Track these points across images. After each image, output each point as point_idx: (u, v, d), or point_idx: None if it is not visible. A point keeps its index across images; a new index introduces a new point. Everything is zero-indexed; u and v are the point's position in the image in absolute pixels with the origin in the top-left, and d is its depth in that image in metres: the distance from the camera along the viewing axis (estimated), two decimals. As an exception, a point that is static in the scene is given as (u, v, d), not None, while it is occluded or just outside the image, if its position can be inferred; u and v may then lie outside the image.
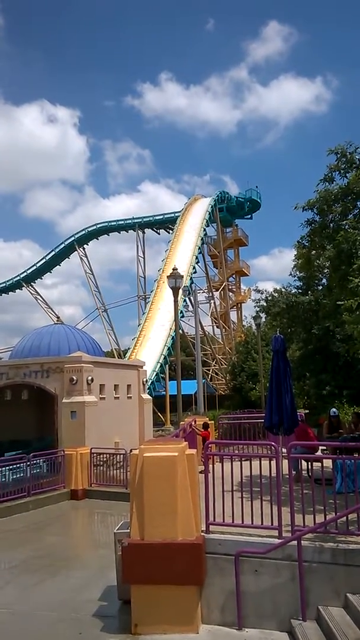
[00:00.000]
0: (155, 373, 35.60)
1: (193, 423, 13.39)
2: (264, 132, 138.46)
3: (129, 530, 6.99)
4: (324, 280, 14.49)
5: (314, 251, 10.02)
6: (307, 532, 6.49)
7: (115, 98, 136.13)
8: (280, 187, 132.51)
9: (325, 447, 10.43)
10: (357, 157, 8.98)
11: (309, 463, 9.46)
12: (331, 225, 9.28)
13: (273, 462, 6.97)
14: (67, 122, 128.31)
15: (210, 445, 8.29)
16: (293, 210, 9.77)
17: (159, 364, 36.48)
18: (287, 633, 6.26)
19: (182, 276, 18.22)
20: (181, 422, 14.47)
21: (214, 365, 52.58)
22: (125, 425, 23.18)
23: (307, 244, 10.00)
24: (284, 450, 8.84)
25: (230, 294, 60.31)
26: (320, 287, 16.24)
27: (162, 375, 38.02)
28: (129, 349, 40.50)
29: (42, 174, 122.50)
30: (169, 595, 6.51)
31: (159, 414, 38.78)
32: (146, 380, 27.09)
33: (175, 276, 16.80)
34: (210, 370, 52.48)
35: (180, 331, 45.18)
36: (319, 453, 10.39)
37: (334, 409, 11.61)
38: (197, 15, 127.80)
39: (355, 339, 7.44)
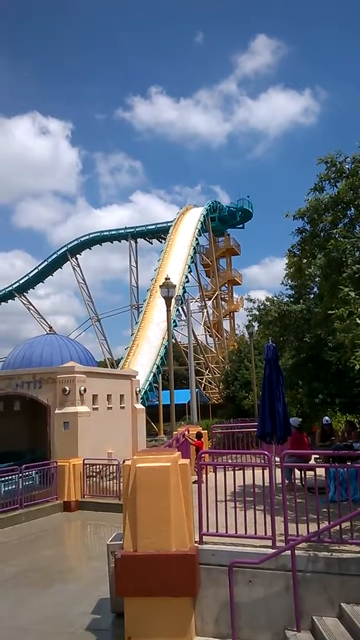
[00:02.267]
0: (148, 383, 35.53)
1: (186, 433, 13.35)
2: (253, 144, 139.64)
3: (122, 542, 6.94)
4: (316, 289, 14.54)
5: (305, 260, 10.06)
6: (300, 542, 6.46)
7: (106, 111, 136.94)
8: (270, 198, 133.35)
9: (318, 456, 10.42)
10: (346, 166, 9.05)
11: (303, 472, 9.45)
12: (322, 234, 9.33)
13: (266, 471, 6.95)
14: (60, 134, 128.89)
15: (203, 455, 8.26)
16: (284, 218, 9.81)
17: (152, 374, 36.41)
18: (282, 644, 6.22)
19: (175, 285, 18.22)
20: (174, 432, 14.42)
21: (207, 375, 52.54)
22: (119, 435, 23.06)
23: (298, 253, 10.05)
24: (277, 459, 8.85)
25: (223, 302, 60.42)
26: (312, 296, 16.29)
27: (155, 385, 37.95)
28: (122, 358, 40.41)
29: (33, 186, 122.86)
30: (162, 607, 6.45)
31: (152, 423, 38.68)
32: (139, 390, 27.02)
33: (167, 285, 16.81)
34: (204, 379, 52.42)
35: (173, 340, 45.19)
36: (312, 462, 10.40)
37: (326, 417, 11.62)
38: (186, 28, 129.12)
39: (346, 347, 7.44)
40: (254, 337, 30.19)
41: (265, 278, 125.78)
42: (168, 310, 17.12)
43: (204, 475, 7.70)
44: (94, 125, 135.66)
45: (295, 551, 6.33)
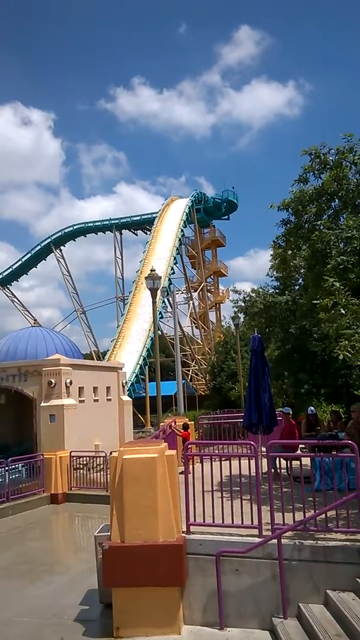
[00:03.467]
0: (134, 374, 35.52)
1: (173, 424, 13.40)
2: (238, 136, 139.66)
3: (109, 533, 6.97)
4: (301, 280, 14.61)
5: (290, 251, 10.10)
6: (286, 531, 6.54)
7: (89, 102, 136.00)
8: (254, 189, 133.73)
9: (304, 446, 10.52)
10: (330, 158, 9.07)
11: (289, 461, 9.54)
12: (306, 225, 9.36)
13: (252, 461, 7.01)
14: (42, 124, 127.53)
15: (190, 446, 8.30)
16: (269, 210, 9.82)
17: (139, 365, 36.40)
18: (269, 631, 6.30)
19: (160, 277, 18.19)
20: (161, 423, 14.46)
21: (194, 366, 52.65)
22: (105, 427, 23.08)
23: (282, 244, 10.08)
24: (264, 449, 8.93)
25: (209, 294, 60.47)
26: (297, 287, 16.38)
27: (141, 377, 37.98)
28: (108, 350, 40.32)
29: (16, 177, 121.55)
30: (150, 597, 6.50)
31: (139, 415, 38.70)
32: (126, 382, 27.02)
33: (153, 277, 16.78)
34: (190, 370, 52.53)
35: (160, 332, 45.18)
36: (298, 451, 10.50)
37: (311, 408, 11.72)
38: (169, 19, 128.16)
39: (330, 338, 7.50)
40: (240, 328, 30.33)
41: (250, 270, 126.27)
42: (154, 302, 17.11)
43: (191, 466, 7.76)
44: (77, 116, 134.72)
45: (282, 540, 6.41)
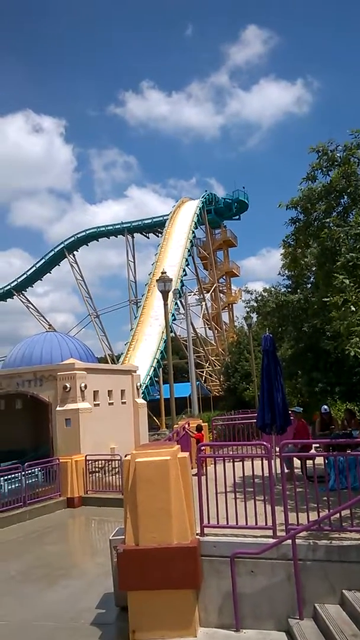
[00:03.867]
0: (149, 377, 35.55)
1: (186, 426, 13.38)
2: (247, 135, 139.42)
3: (124, 537, 6.97)
4: (313, 279, 14.52)
5: (300, 249, 10.04)
6: (301, 531, 6.49)
7: (98, 107, 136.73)
8: (265, 189, 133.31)
9: (318, 445, 10.45)
10: (338, 154, 9.00)
11: (304, 461, 9.47)
12: (315, 223, 9.30)
13: (266, 462, 6.98)
14: (53, 131, 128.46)
15: (203, 448, 8.28)
16: (277, 208, 9.81)
17: (153, 368, 36.43)
18: (285, 632, 6.26)
19: (172, 279, 18.21)
20: (175, 425, 14.45)
21: (208, 367, 52.57)
22: (121, 430, 23.10)
23: (292, 243, 10.02)
24: (278, 449, 8.87)
25: (221, 295, 60.34)
26: (309, 286, 16.29)
27: (156, 379, 38.00)
28: (122, 354, 40.42)
29: (28, 184, 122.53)
30: (165, 600, 6.49)
31: (154, 417, 38.75)
32: (140, 385, 27.05)
33: (164, 280, 16.79)
34: (204, 372, 52.47)
35: (173, 334, 45.21)
36: (312, 451, 10.43)
37: (325, 406, 11.64)
38: (175, 21, 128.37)
39: (342, 335, 7.44)
40: (253, 328, 30.22)
41: (262, 269, 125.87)
42: (165, 304, 17.12)
43: (205, 468, 7.73)
44: (87, 121, 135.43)
45: (296, 540, 6.38)
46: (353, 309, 7.05)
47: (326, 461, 8.61)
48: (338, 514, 6.60)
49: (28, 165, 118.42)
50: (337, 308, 7.47)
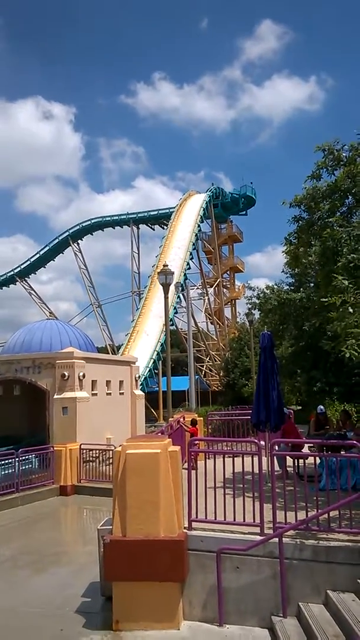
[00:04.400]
0: (148, 369, 35.59)
1: (181, 419, 13.40)
2: (258, 131, 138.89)
3: (112, 527, 6.99)
4: (315, 277, 14.48)
5: (302, 248, 10.00)
6: (288, 529, 6.50)
7: (109, 96, 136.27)
8: (274, 185, 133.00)
9: (312, 445, 10.43)
10: (344, 154, 8.95)
11: (296, 460, 9.47)
12: (318, 222, 9.25)
13: (256, 459, 6.97)
14: (63, 118, 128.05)
15: (195, 443, 8.29)
16: (281, 206, 9.78)
17: (152, 360, 36.45)
18: (268, 630, 6.28)
19: (173, 272, 18.15)
20: (170, 419, 14.46)
21: (208, 362, 52.57)
22: (117, 421, 23.17)
23: (294, 241, 9.98)
24: (276, 447, 8.86)
25: (225, 290, 60.28)
26: (312, 284, 16.24)
27: (155, 371, 38.02)
28: (123, 344, 40.46)
29: (36, 170, 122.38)
30: (150, 591, 6.51)
31: (152, 409, 38.78)
32: (138, 376, 27.09)
33: (165, 272, 16.75)
34: (204, 366, 52.47)
35: (174, 327, 45.22)
36: (306, 450, 10.42)
37: (321, 406, 11.63)
38: (191, 14, 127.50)
39: (340, 336, 7.42)
40: (255, 325, 30.19)
41: (267, 266, 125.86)
42: (166, 297, 17.09)
43: (199, 462, 7.75)
44: (97, 110, 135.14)
45: (283, 538, 6.39)
46: (351, 310, 7.02)
47: (318, 461, 8.60)
48: (326, 515, 6.60)
49: (36, 152, 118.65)
50: (335, 309, 7.44)
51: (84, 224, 57.05)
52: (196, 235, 47.74)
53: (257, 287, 21.63)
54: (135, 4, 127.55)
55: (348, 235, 8.06)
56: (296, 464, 9.38)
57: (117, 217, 57.51)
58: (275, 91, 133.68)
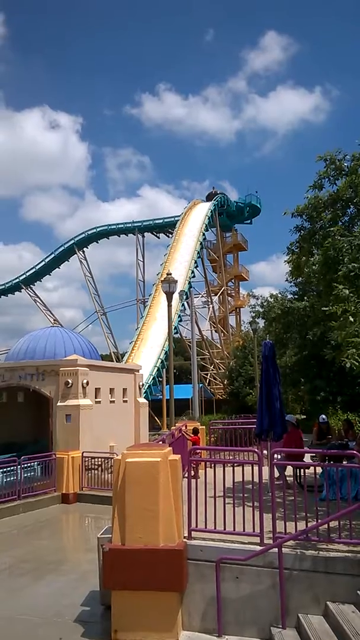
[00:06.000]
0: (152, 377, 35.57)
1: (183, 428, 13.37)
2: (262, 142, 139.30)
3: (111, 535, 6.98)
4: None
5: (304, 257, 10.02)
6: (288, 540, 6.47)
7: (115, 107, 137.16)
8: (278, 195, 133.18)
9: (314, 454, 10.40)
10: (345, 164, 8.98)
11: (299, 470, 9.44)
12: (320, 231, 9.28)
13: (257, 468, 6.95)
14: (70, 128, 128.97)
15: (196, 452, 8.28)
16: (283, 216, 9.81)
17: (156, 368, 36.45)
18: (267, 641, 6.24)
19: (176, 281, 18.17)
20: (172, 427, 14.44)
21: (212, 370, 52.48)
22: (121, 429, 23.12)
23: (296, 250, 10.00)
24: (277, 456, 8.84)
25: (229, 298, 60.26)
26: (315, 293, 16.25)
27: (159, 379, 37.99)
28: (127, 352, 40.47)
29: (42, 179, 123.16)
30: (149, 601, 6.48)
31: (155, 418, 38.70)
32: (142, 384, 27.04)
33: (169, 281, 16.79)
34: (209, 374, 52.39)
35: (178, 335, 45.19)
36: (307, 459, 10.38)
37: (323, 416, 11.60)
38: (196, 25, 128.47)
39: (342, 346, 7.42)
40: (259, 333, 30.18)
41: (272, 275, 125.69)
42: (169, 305, 17.11)
43: (200, 471, 7.73)
44: (103, 120, 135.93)
45: (283, 549, 6.35)
46: (352, 319, 7.02)
47: (320, 471, 8.57)
48: (326, 525, 6.57)
49: (43, 161, 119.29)
50: (337, 318, 7.45)
51: (89, 232, 57.30)
52: (201, 243, 47.85)
53: (261, 296, 21.74)
54: (141, 15, 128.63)
55: (349, 244, 8.07)
56: (298, 474, 9.37)
57: (122, 225, 57.76)
58: (280, 102, 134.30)
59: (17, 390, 22.47)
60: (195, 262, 45.86)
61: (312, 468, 8.39)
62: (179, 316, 41.10)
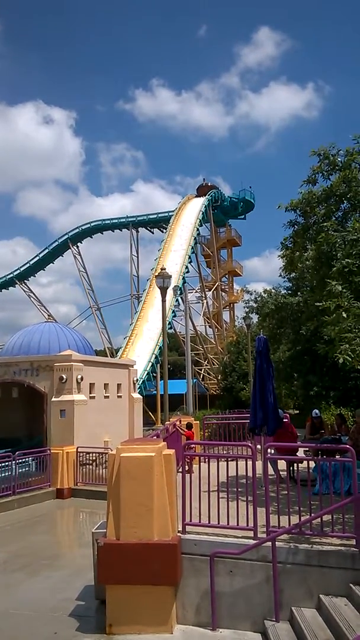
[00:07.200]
0: (146, 372, 35.59)
1: (177, 423, 13.40)
2: (255, 137, 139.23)
3: (106, 530, 6.99)
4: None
5: (297, 252, 10.04)
6: (281, 533, 6.51)
7: (108, 102, 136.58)
8: (271, 191, 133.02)
9: (307, 449, 10.45)
10: (339, 159, 8.99)
11: (293, 464, 9.48)
12: (314, 226, 9.29)
13: (250, 463, 6.99)
14: (63, 123, 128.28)
15: (191, 446, 8.30)
16: (279, 211, 9.80)
17: (151, 363, 36.48)
18: (261, 634, 6.28)
19: (170, 276, 18.18)
20: (167, 422, 14.46)
21: (206, 365, 52.58)
22: (115, 424, 23.15)
23: (290, 245, 10.01)
24: (271, 451, 8.89)
25: (223, 294, 60.34)
26: (309, 289, 16.29)
27: (153, 375, 38.03)
28: (121, 347, 40.47)
29: (35, 174, 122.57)
30: (144, 595, 6.51)
31: (149, 413, 38.76)
32: (137, 380, 27.06)
33: (163, 276, 16.79)
34: (202, 370, 52.49)
35: (172, 330, 45.22)
36: (301, 454, 10.43)
37: (316, 410, 11.63)
38: (189, 21, 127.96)
39: (334, 341, 7.44)
40: (252, 328, 30.26)
41: (265, 270, 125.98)
42: (163, 300, 17.13)
43: (194, 466, 7.75)
44: (97, 115, 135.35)
45: (276, 543, 6.39)
46: (344, 315, 7.05)
47: (313, 465, 8.62)
48: (320, 519, 6.61)
49: (36, 156, 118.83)
50: (329, 313, 7.47)
51: (83, 227, 57.15)
52: (195, 238, 47.82)
53: (255, 291, 21.76)
54: (134, 10, 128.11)
55: (343, 240, 8.09)
56: (291, 468, 9.41)
57: (116, 220, 57.63)
58: (273, 98, 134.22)
59: (11, 386, 22.45)
60: (189, 257, 45.85)
61: (305, 462, 8.47)
62: (173, 311, 41.09)
